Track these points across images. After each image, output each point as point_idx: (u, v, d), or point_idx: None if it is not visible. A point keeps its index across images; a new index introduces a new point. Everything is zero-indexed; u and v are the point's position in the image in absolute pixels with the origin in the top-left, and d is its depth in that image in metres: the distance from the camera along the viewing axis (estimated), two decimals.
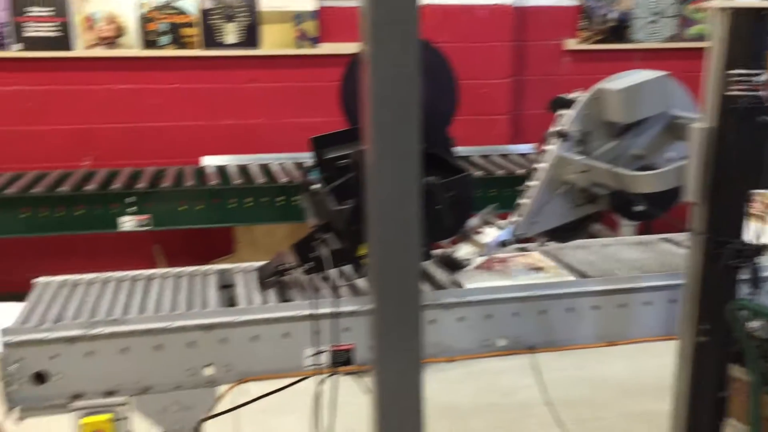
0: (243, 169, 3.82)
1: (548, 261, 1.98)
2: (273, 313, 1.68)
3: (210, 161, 4.01)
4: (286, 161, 4.02)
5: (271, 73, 4.25)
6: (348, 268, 1.84)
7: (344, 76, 1.88)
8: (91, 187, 3.43)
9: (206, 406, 1.68)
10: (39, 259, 4.11)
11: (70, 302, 1.76)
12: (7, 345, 1.56)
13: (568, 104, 1.76)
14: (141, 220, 3.46)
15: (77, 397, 1.60)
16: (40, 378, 1.58)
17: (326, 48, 4.22)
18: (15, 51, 3.88)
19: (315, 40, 4.21)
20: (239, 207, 3.55)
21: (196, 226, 3.62)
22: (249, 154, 4.14)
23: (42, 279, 1.91)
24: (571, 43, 4.54)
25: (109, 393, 1.62)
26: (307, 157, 4.03)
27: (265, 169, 3.84)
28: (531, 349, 1.77)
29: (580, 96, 1.76)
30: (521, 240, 1.90)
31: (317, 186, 1.79)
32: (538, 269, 1.94)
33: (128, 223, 3.43)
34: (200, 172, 3.78)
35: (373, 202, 1.27)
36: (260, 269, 1.92)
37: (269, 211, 3.59)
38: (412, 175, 1.21)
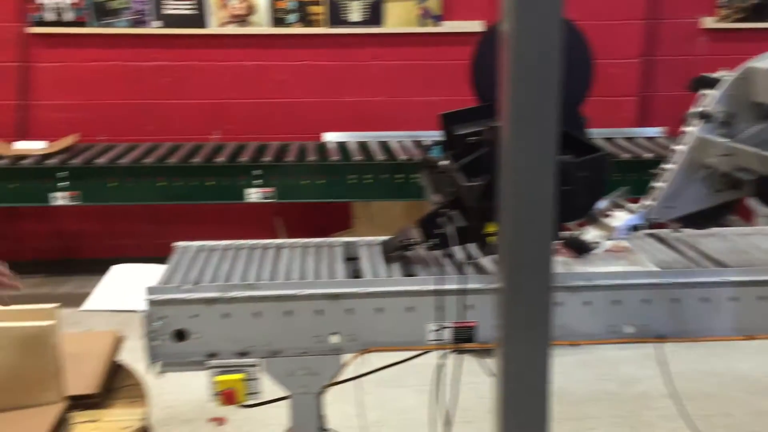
0: (363, 146, 3.89)
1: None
2: (398, 286, 1.70)
3: (331, 137, 4.11)
4: (404, 139, 4.05)
5: (393, 51, 4.28)
6: (473, 246, 1.84)
7: (475, 53, 1.87)
8: (220, 159, 3.60)
9: (331, 372, 1.73)
10: (173, 225, 4.36)
11: (207, 266, 1.85)
12: (151, 303, 1.67)
13: (711, 84, 1.67)
14: (265, 192, 3.60)
15: (212, 356, 1.69)
16: (180, 336, 1.68)
17: (449, 26, 4.20)
18: (154, 28, 4.11)
19: (438, 18, 4.19)
20: (358, 183, 3.62)
21: (316, 200, 3.73)
22: (369, 131, 4.20)
23: (181, 243, 2.02)
24: (709, 22, 4.29)
25: (242, 354, 1.70)
26: (426, 136, 4.08)
27: (384, 146, 3.89)
28: (660, 338, 1.71)
29: (726, 75, 1.67)
30: (653, 225, 1.83)
31: (445, 162, 1.80)
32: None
33: (254, 194, 3.57)
34: (322, 148, 3.88)
35: (507, 179, 1.26)
36: (384, 243, 1.95)
37: (387, 188, 3.64)
38: (550, 153, 1.19)
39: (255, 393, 1.71)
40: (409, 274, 1.81)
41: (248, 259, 1.91)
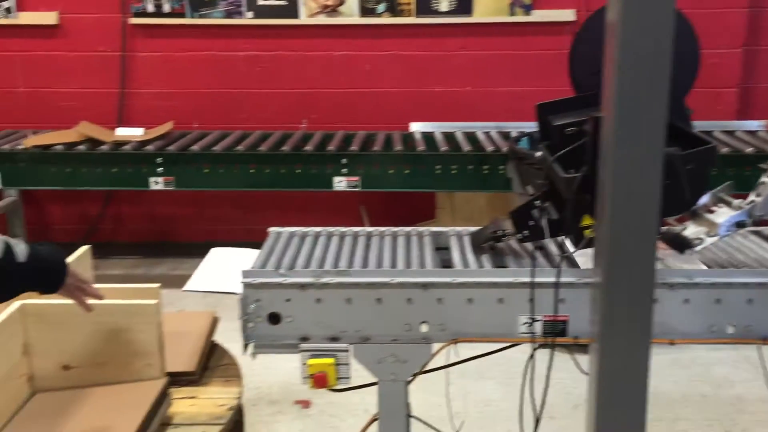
0: (449, 137, 3.87)
1: None
2: (489, 277, 1.69)
3: (417, 127, 4.11)
4: (491, 130, 4.01)
5: (482, 41, 4.24)
6: (565, 239, 1.81)
7: (574, 42, 1.83)
8: (309, 148, 3.66)
9: (420, 361, 1.74)
10: (260, 211, 4.48)
11: (300, 252, 1.89)
12: (247, 286, 1.72)
13: None
14: (351, 181, 3.64)
15: (305, 339, 1.73)
16: (274, 319, 1.73)
17: (540, 15, 4.13)
18: (248, 19, 4.21)
19: (529, 8, 4.12)
20: (444, 173, 3.61)
21: (401, 190, 3.74)
22: (455, 122, 4.18)
23: (274, 229, 2.07)
24: None
25: (333, 339, 1.73)
26: (512, 127, 4.03)
27: (470, 137, 3.86)
28: (764, 339, 1.63)
29: None
30: (759, 222, 1.75)
31: (539, 153, 1.77)
32: None
33: (341, 183, 3.62)
34: (408, 138, 3.89)
35: (610, 171, 1.23)
36: (475, 234, 1.94)
37: (472, 179, 3.62)
38: (657, 145, 1.16)
39: (345, 378, 1.74)
40: (500, 266, 1.80)
41: (339, 245, 1.94)
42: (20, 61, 4.28)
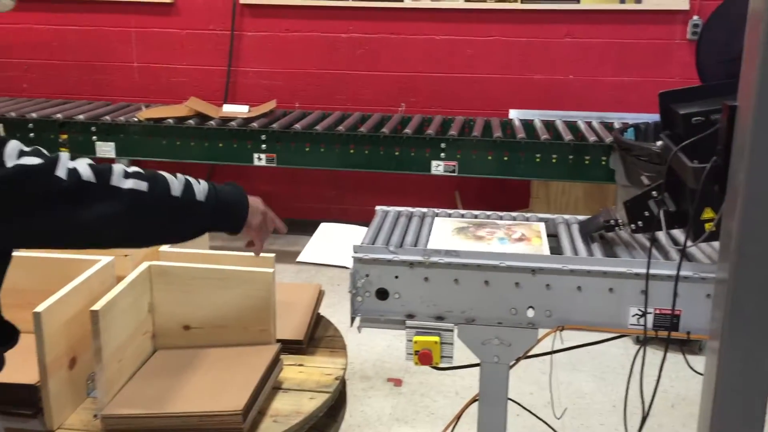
0: (549, 125, 3.82)
1: None
2: (601, 266, 1.68)
3: (517, 114, 4.07)
4: (593, 120, 3.93)
5: (588, 29, 4.15)
6: (681, 231, 1.77)
7: (703, 30, 1.77)
8: (407, 131, 3.68)
9: (524, 345, 1.74)
10: (354, 191, 4.55)
11: (408, 230, 1.92)
12: (357, 261, 1.76)
13: None
14: (449, 165, 3.65)
15: (411, 316, 1.76)
16: (381, 294, 1.77)
17: (651, 3, 4.00)
18: (353, 1, 4.26)
19: None
20: (543, 162, 3.57)
21: (498, 177, 3.72)
22: (555, 110, 4.12)
23: (381, 207, 2.10)
24: None
25: (438, 318, 1.75)
26: (616, 117, 3.93)
27: (571, 126, 3.80)
28: None
29: None
30: None
31: (660, 143, 1.73)
32: None
33: (439, 167, 3.63)
34: (507, 125, 3.86)
35: (746, 163, 1.20)
36: (585, 222, 1.92)
37: (572, 169, 3.57)
38: None
39: (448, 357, 1.76)
40: (610, 255, 1.78)
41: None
42: (136, 37, 4.48)
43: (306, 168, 4.03)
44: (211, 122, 3.76)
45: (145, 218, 1.22)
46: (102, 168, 1.16)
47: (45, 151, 1.13)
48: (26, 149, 1.10)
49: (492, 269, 1.72)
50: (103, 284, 1.67)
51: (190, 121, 3.77)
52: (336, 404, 1.76)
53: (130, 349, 1.64)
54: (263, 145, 3.72)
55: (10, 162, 1.06)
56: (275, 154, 3.74)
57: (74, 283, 1.59)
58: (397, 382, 2.90)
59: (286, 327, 1.88)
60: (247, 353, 1.69)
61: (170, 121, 3.76)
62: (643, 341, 1.68)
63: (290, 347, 1.85)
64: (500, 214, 2.06)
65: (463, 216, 2.02)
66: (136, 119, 3.78)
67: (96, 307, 1.50)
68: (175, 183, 1.28)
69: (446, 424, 2.50)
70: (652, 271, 1.63)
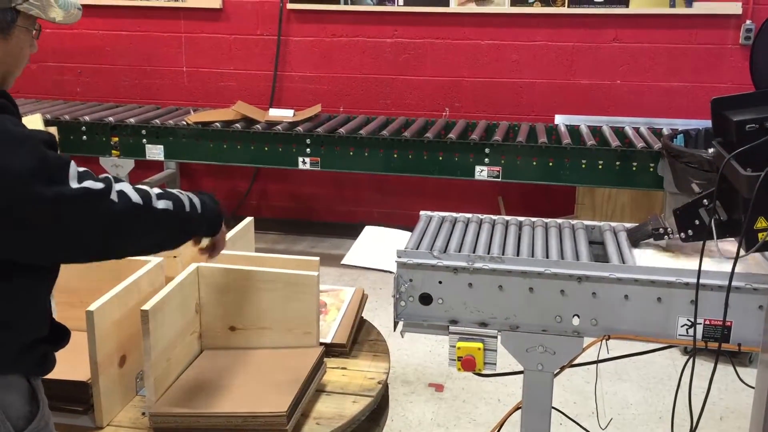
0: (595, 131, 3.77)
1: None
2: (649, 275, 1.65)
3: (563, 120, 4.03)
4: (640, 126, 3.87)
5: (636, 33, 4.09)
6: (730, 241, 1.73)
7: (758, 35, 1.73)
8: (451, 136, 3.68)
9: (569, 354, 1.72)
10: (397, 195, 4.55)
11: (452, 236, 1.92)
12: (400, 265, 1.76)
13: None
14: (493, 170, 3.63)
15: (454, 322, 1.76)
16: (425, 299, 1.77)
17: (703, 7, 3.92)
18: (398, 6, 4.28)
19: (691, 0, 3.93)
20: (589, 168, 3.53)
21: (543, 182, 3.69)
22: (602, 116, 4.07)
23: (425, 212, 2.11)
24: None
25: (482, 324, 1.75)
26: (664, 123, 3.86)
27: (618, 132, 3.75)
28: None
29: None
30: None
31: (711, 150, 1.70)
32: None
33: (482, 172, 3.62)
34: (552, 130, 3.82)
35: None
36: (632, 230, 1.89)
37: (620, 175, 3.51)
38: None
39: (492, 363, 1.75)
40: (659, 264, 1.75)
41: (491, 232, 1.95)
42: (185, 42, 4.57)
43: (350, 172, 4.06)
44: (257, 126, 3.81)
45: (168, 233, 1.33)
46: (143, 191, 1.26)
47: (92, 173, 1.22)
48: (80, 170, 1.19)
49: (537, 276, 1.70)
50: (153, 285, 1.71)
51: (237, 125, 3.82)
52: (378, 408, 1.77)
53: (178, 348, 1.67)
54: (308, 149, 3.75)
55: (74, 184, 1.14)
56: (319, 158, 3.77)
57: (125, 283, 1.63)
58: (439, 388, 2.89)
59: (329, 330, 1.89)
60: (292, 356, 1.71)
61: (217, 124, 3.82)
62: (691, 352, 1.65)
63: (333, 350, 1.86)
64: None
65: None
66: (184, 123, 3.85)
67: (146, 306, 1.53)
68: (185, 200, 1.37)
69: (487, 431, 2.49)
70: (702, 281, 1.60)
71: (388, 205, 4.59)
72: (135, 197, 1.22)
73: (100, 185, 1.17)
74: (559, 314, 1.71)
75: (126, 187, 1.23)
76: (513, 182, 3.77)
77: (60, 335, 1.32)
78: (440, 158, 3.66)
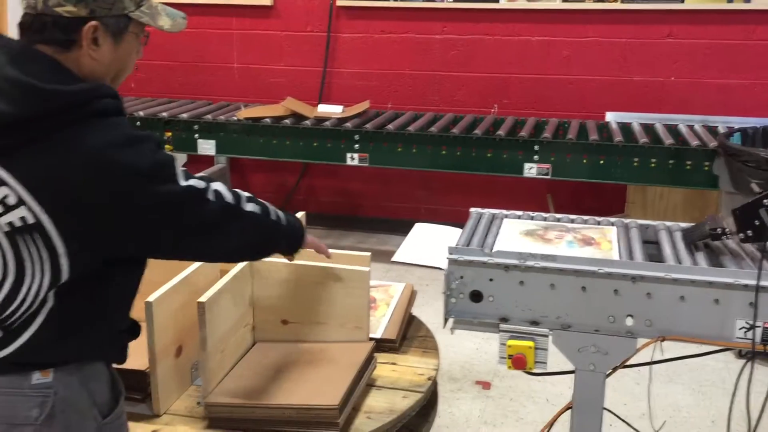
0: (647, 128, 3.71)
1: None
2: (706, 276, 1.62)
3: (614, 117, 3.97)
4: (695, 123, 3.79)
5: (691, 29, 4.00)
6: None
7: None
8: (500, 133, 3.65)
9: (622, 354, 1.70)
10: (444, 192, 4.55)
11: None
12: (451, 262, 1.76)
13: None
14: (542, 168, 3.60)
15: (505, 320, 1.75)
16: (475, 296, 1.76)
17: (761, 3, 3.82)
18: (448, 3, 4.26)
19: None
20: (642, 166, 3.47)
21: (593, 180, 3.64)
22: (655, 113, 4.00)
23: (476, 209, 2.10)
24: None
25: (533, 323, 1.73)
26: (720, 121, 3.77)
27: (671, 130, 3.67)
28: None
29: None
30: None
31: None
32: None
33: (532, 169, 3.59)
34: (603, 128, 3.77)
35: None
36: (689, 230, 1.86)
37: (673, 174, 3.45)
38: None
39: (542, 362, 1.74)
40: (716, 265, 1.71)
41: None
42: (237, 38, 4.64)
43: (397, 168, 4.06)
44: (307, 122, 3.84)
45: (256, 238, 1.39)
46: (234, 192, 1.32)
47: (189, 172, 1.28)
48: (183, 168, 1.25)
49: (590, 275, 1.68)
50: (208, 277, 1.74)
51: (286, 121, 3.86)
52: (428, 404, 1.78)
53: (232, 340, 1.71)
54: (356, 145, 3.77)
55: (182, 181, 1.22)
56: (368, 154, 3.78)
57: (182, 275, 1.67)
58: (486, 385, 2.88)
59: (379, 325, 1.91)
60: (343, 350, 1.72)
61: (267, 120, 3.86)
62: (749, 356, 1.61)
63: (383, 346, 1.87)
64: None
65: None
66: (235, 118, 3.91)
67: (203, 298, 1.57)
68: (271, 209, 1.42)
69: (535, 430, 2.48)
70: (762, 283, 1.56)
71: (435, 202, 4.59)
72: (228, 197, 1.29)
73: (202, 184, 1.25)
74: (613, 314, 1.68)
75: (221, 186, 1.29)
76: (562, 180, 3.73)
77: (135, 326, 1.38)
78: (489, 155, 3.64)
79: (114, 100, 1.21)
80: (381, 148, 3.76)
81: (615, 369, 1.74)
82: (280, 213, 1.45)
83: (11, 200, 1.14)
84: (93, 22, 1.20)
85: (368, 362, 1.70)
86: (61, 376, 1.23)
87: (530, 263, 1.71)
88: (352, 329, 1.78)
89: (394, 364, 1.83)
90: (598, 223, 2.00)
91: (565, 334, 1.72)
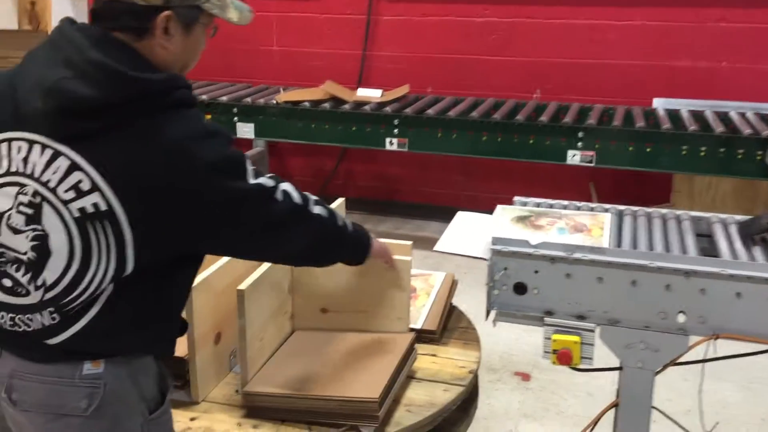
0: (697, 116, 3.59)
1: None
2: (764, 272, 1.54)
3: (662, 104, 3.85)
4: (747, 111, 3.65)
5: (745, 13, 3.85)
6: None
7: None
8: (543, 119, 3.57)
9: (673, 352, 1.64)
10: (484, 179, 4.48)
11: None
12: (495, 253, 1.71)
13: None
14: (586, 155, 3.51)
15: (549, 313, 1.70)
16: (520, 289, 1.71)
17: None
18: None
19: None
20: (690, 155, 3.36)
21: (639, 169, 3.54)
22: (705, 100, 3.86)
23: (520, 198, 2.04)
24: None
25: (579, 317, 1.68)
26: None
27: (722, 117, 3.55)
28: None
29: None
30: None
31: None
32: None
33: (575, 157, 3.50)
34: (650, 114, 3.66)
35: None
36: (745, 223, 1.78)
37: (722, 163, 3.33)
38: None
39: (588, 358, 1.69)
40: None
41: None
42: (276, 22, 4.61)
43: (437, 153, 4.00)
44: (346, 106, 3.81)
45: (320, 242, 1.37)
46: (303, 194, 1.32)
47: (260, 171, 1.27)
48: (253, 167, 1.24)
49: (640, 269, 1.62)
50: (247, 264, 1.72)
51: (325, 105, 3.83)
52: (468, 398, 1.74)
53: (271, 328, 1.68)
54: (395, 130, 3.72)
55: (251, 179, 1.21)
56: (407, 139, 3.73)
57: (221, 262, 1.65)
58: (525, 377, 2.83)
59: (419, 316, 1.87)
60: (383, 340, 1.69)
61: (306, 103, 3.83)
62: None
63: (424, 337, 1.84)
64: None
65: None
66: (274, 102, 3.89)
67: (242, 286, 1.55)
68: (338, 215, 1.42)
69: (576, 424, 2.42)
70: None
71: (474, 188, 4.52)
72: (296, 198, 1.28)
73: (271, 183, 1.24)
74: (664, 310, 1.62)
75: (289, 187, 1.28)
76: (604, 167, 3.64)
77: (183, 323, 1.39)
78: (531, 141, 3.56)
79: (189, 92, 1.21)
80: (421, 133, 3.71)
81: (665, 367, 1.68)
82: (347, 221, 1.45)
83: (85, 186, 1.13)
84: (167, 12, 1.19)
85: (409, 354, 1.66)
86: (112, 367, 1.21)
87: (577, 255, 1.66)
88: (392, 320, 1.75)
89: (434, 355, 1.79)
90: (591, 209, 1.94)
91: (612, 330, 1.66)
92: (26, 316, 1.18)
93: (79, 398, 1.20)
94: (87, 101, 1.11)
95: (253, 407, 1.54)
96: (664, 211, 1.93)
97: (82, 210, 1.14)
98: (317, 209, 1.34)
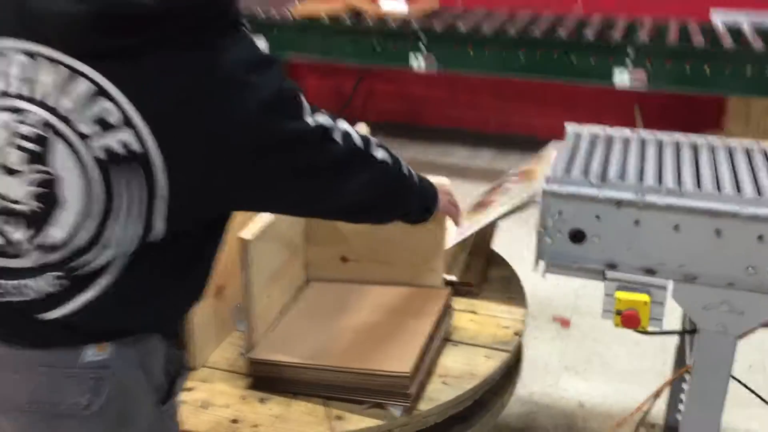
0: (761, 31, 3.21)
1: None
2: None
3: (721, 17, 3.45)
4: None
5: None
6: None
7: None
8: (588, 34, 3.21)
9: (760, 314, 1.37)
10: (515, 101, 4.15)
11: (610, 159, 1.56)
12: (548, 194, 1.43)
13: None
14: (636, 76, 3.16)
15: (612, 266, 1.43)
16: (577, 237, 1.44)
17: None
18: None
19: None
20: (753, 75, 3.00)
21: (695, 91, 3.19)
22: None
23: (572, 126, 1.74)
24: None
25: (648, 271, 1.41)
26: None
27: None
28: None
29: None
30: None
31: None
32: None
33: (623, 77, 3.15)
34: (707, 30, 3.28)
35: None
36: None
37: None
38: None
39: (658, 319, 1.42)
40: None
41: (659, 156, 1.57)
42: None
43: (467, 73, 3.66)
44: (368, 20, 3.46)
45: (384, 192, 1.18)
46: (364, 135, 1.12)
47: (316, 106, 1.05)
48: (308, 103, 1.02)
49: (728, 217, 1.33)
50: None
51: (345, 18, 3.49)
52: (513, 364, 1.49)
53: (282, 281, 1.43)
54: (422, 46, 3.38)
55: (309, 119, 0.98)
56: (435, 57, 3.39)
57: None
58: (564, 323, 2.58)
59: (456, 267, 1.60)
60: (414, 297, 1.43)
61: (324, 17, 3.49)
62: None
63: (460, 289, 1.57)
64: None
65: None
66: (289, 15, 3.56)
67: (246, 234, 1.28)
68: (403, 162, 1.24)
69: (623, 380, 2.18)
70: None
71: (506, 112, 4.19)
72: (357, 139, 1.09)
73: (330, 121, 1.03)
74: (754, 265, 1.34)
75: (349, 128, 1.09)
76: (650, 91, 3.28)
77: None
78: (573, 60, 3.21)
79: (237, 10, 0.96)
80: (450, 50, 3.37)
81: (750, 331, 1.41)
82: (414, 171, 1.27)
83: (113, 118, 0.85)
84: None
85: (444, 313, 1.40)
86: (119, 352, 0.96)
87: (651, 198, 1.37)
88: (424, 271, 1.49)
89: (473, 312, 1.53)
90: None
91: (688, 288, 1.39)
92: (19, 282, 0.91)
93: (80, 392, 0.94)
94: (135, 8, 0.83)
95: (259, 377, 1.30)
96: (746, 142, 1.62)
97: (107, 151, 0.86)
98: (380, 154, 1.14)
